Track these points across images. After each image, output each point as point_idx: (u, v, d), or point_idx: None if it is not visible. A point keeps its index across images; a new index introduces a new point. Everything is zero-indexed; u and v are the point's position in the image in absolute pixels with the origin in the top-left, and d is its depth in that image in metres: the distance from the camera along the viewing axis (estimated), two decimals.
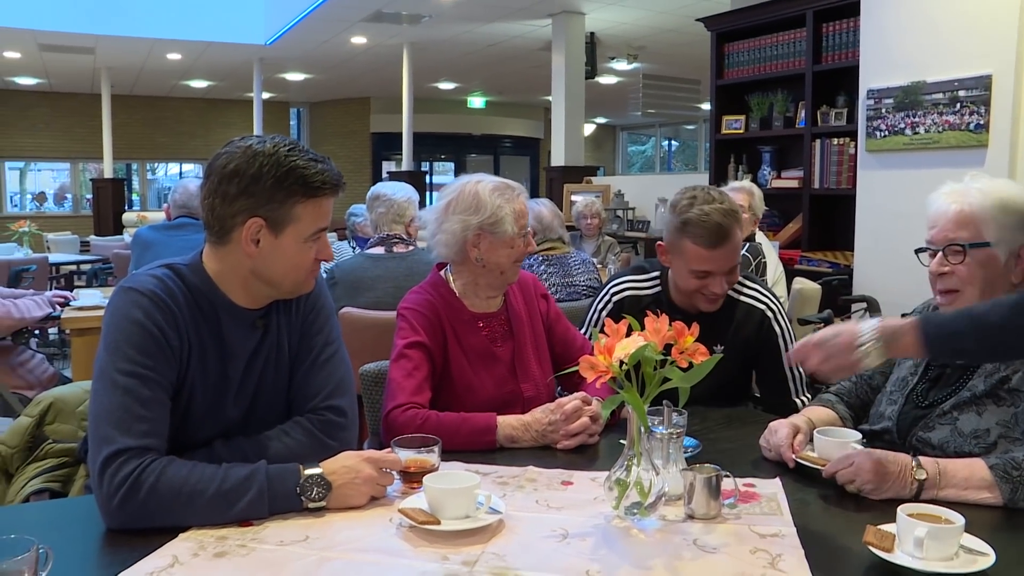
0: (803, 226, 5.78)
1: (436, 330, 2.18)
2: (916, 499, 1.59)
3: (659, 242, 2.40)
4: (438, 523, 1.44)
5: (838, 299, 4.67)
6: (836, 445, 1.77)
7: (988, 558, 1.30)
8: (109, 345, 1.57)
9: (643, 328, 1.53)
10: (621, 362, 1.46)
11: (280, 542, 1.41)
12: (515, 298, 2.33)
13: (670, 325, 1.53)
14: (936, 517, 1.36)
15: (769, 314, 2.45)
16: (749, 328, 2.43)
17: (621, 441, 1.92)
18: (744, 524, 1.51)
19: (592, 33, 10.40)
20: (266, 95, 14.67)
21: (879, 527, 1.38)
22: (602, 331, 1.53)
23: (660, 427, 1.65)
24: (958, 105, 4.16)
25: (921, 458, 1.62)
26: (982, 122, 4.07)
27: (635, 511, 1.50)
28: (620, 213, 9.23)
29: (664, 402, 1.63)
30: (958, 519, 1.34)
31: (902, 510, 1.36)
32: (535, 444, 1.98)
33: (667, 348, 1.52)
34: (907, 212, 4.44)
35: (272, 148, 1.62)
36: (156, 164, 19.33)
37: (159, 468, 1.48)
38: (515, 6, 9.61)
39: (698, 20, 6.78)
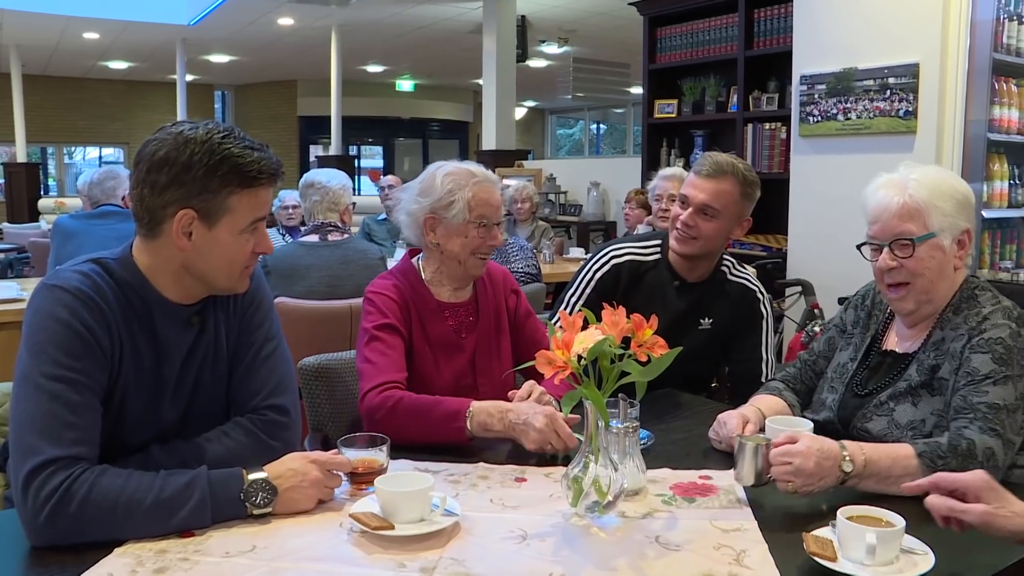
0: None
1: (404, 315, 2.12)
2: (840, 485, 1.56)
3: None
4: (392, 528, 1.38)
5: (774, 282, 4.72)
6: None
7: (928, 558, 1.28)
8: (32, 347, 1.46)
9: (658, 306, 1.48)
10: (580, 356, 1.41)
11: (225, 553, 1.33)
12: (485, 291, 2.26)
13: (668, 294, 1.49)
14: (876, 519, 1.32)
15: (760, 296, 2.56)
16: (741, 307, 2.51)
17: (578, 437, 1.90)
18: (705, 519, 1.48)
19: (523, 16, 10.32)
20: (189, 77, 14.22)
21: (814, 534, 1.34)
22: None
23: (615, 421, 1.61)
24: (888, 92, 4.22)
25: (848, 446, 1.58)
26: (911, 108, 4.14)
27: (594, 509, 1.47)
28: (552, 197, 9.21)
29: (620, 396, 1.59)
30: (899, 521, 1.30)
31: (842, 514, 1.32)
32: (505, 435, 1.87)
33: (624, 341, 1.48)
34: (840, 196, 4.51)
35: (205, 134, 1.52)
36: (74, 148, 18.65)
37: (91, 479, 1.38)
38: None
39: (630, 4, 6.77)
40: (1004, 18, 4.52)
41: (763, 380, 2.45)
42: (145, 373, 1.57)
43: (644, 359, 1.45)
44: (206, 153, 1.50)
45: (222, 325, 1.69)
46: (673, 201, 2.49)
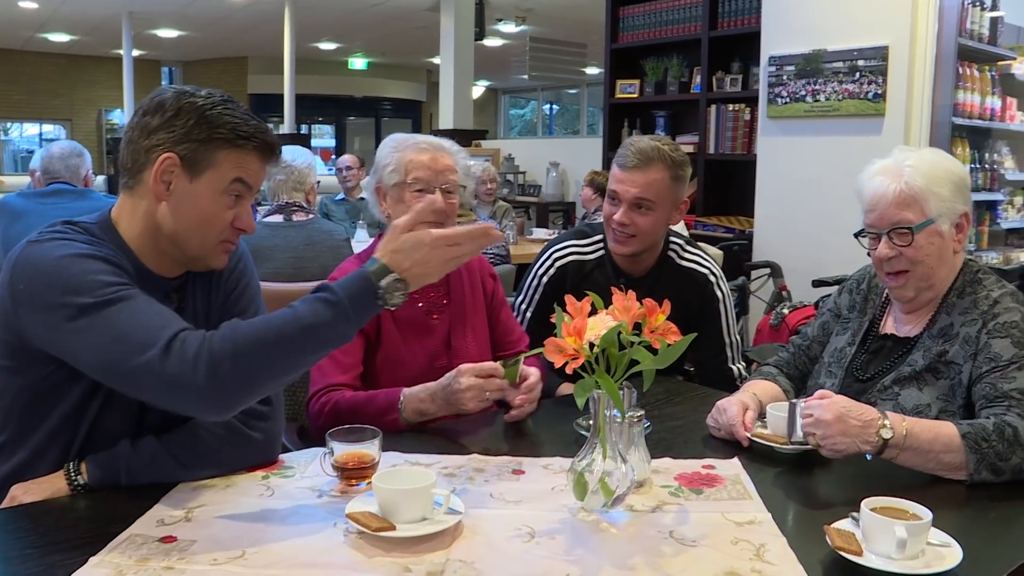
0: (698, 191, 5.80)
1: None
2: (878, 455, 1.53)
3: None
4: (393, 528, 1.28)
5: (742, 264, 4.70)
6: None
7: (955, 551, 1.23)
8: (66, 287, 1.35)
9: (607, 304, 1.41)
10: (591, 344, 1.34)
11: (213, 561, 1.22)
12: (458, 271, 2.18)
13: (614, 291, 1.42)
14: (902, 511, 1.27)
15: (712, 279, 2.43)
16: (692, 292, 2.39)
17: (579, 421, 1.84)
18: (717, 512, 1.42)
19: None
20: (136, 52, 13.77)
21: (836, 527, 1.29)
22: (564, 309, 1.41)
23: (617, 411, 1.54)
24: (857, 74, 4.21)
25: (889, 414, 1.55)
26: (880, 91, 4.14)
27: (603, 504, 1.40)
28: (511, 178, 9.14)
29: (625, 383, 1.53)
30: (926, 513, 1.26)
31: (866, 506, 1.27)
32: (443, 412, 1.88)
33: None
34: (808, 178, 4.51)
35: (207, 95, 1.49)
36: (10, 124, 18.04)
37: (224, 332, 1.33)
38: None
39: None
40: (968, 4, 4.54)
41: (729, 364, 2.42)
42: None
43: (658, 346, 1.38)
44: (204, 106, 1.46)
45: (201, 306, 1.59)
46: None
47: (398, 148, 2.07)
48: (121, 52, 13.25)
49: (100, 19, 12.82)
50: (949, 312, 1.83)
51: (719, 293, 2.42)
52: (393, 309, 1.40)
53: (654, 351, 1.41)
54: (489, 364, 1.87)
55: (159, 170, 1.45)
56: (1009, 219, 5.30)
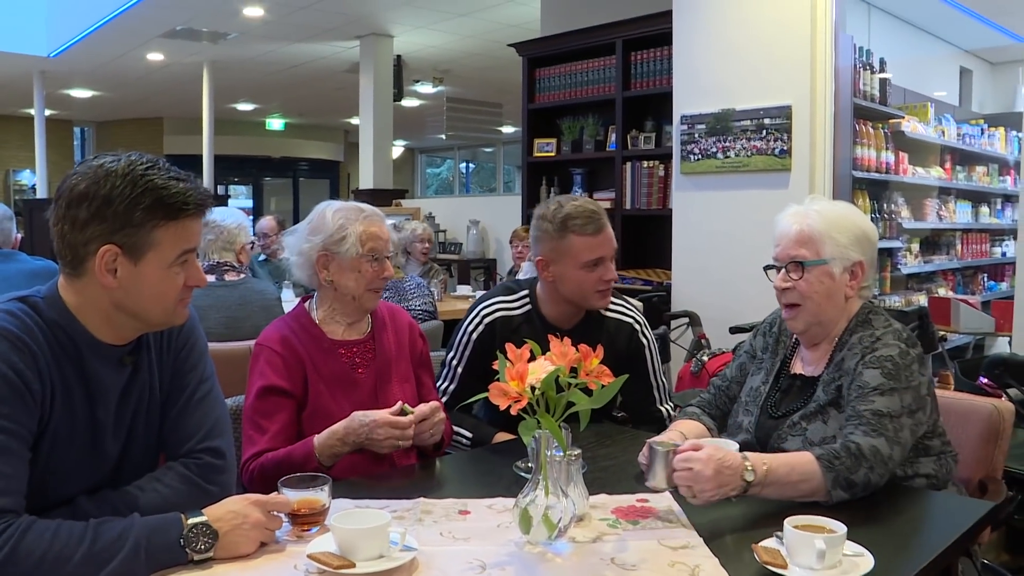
0: (617, 246, 5.99)
1: (294, 367, 2.14)
2: (742, 494, 1.65)
3: (538, 259, 2.43)
4: (353, 566, 1.36)
5: (662, 315, 4.88)
6: None
7: (868, 559, 1.38)
8: None
9: (544, 352, 1.53)
10: (533, 388, 1.45)
11: None
12: (383, 327, 2.29)
13: (551, 338, 1.54)
14: (819, 527, 1.41)
15: (637, 327, 2.55)
16: (620, 342, 2.50)
17: (518, 464, 1.94)
18: (652, 539, 1.54)
19: (399, 56, 10.39)
20: (46, 112, 13.53)
21: (763, 545, 1.42)
22: (496, 361, 1.51)
23: (557, 450, 1.65)
24: (764, 132, 4.47)
25: (750, 456, 1.67)
26: (785, 147, 4.40)
27: (546, 536, 1.49)
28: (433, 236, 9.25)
29: (562, 424, 1.63)
30: (840, 527, 1.40)
31: (789, 523, 1.41)
32: (352, 449, 2.00)
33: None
34: (721, 230, 4.73)
35: (127, 166, 1.47)
36: None
37: (16, 533, 1.31)
38: (323, 27, 9.44)
39: (510, 45, 6.92)
40: (859, 66, 4.89)
41: (658, 406, 2.54)
42: (78, 417, 1.50)
43: (594, 387, 1.50)
44: (128, 185, 1.45)
45: (155, 366, 1.64)
46: None
47: (349, 219, 2.16)
48: (31, 111, 12.95)
49: (10, 78, 12.55)
50: (842, 349, 2.00)
51: (644, 340, 2.55)
52: (197, 559, 1.42)
53: (589, 393, 1.52)
54: (407, 419, 2.00)
55: (102, 263, 1.46)
56: (909, 265, 5.64)
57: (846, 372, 1.94)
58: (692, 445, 1.67)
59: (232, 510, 1.49)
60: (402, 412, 2.00)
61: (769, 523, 1.55)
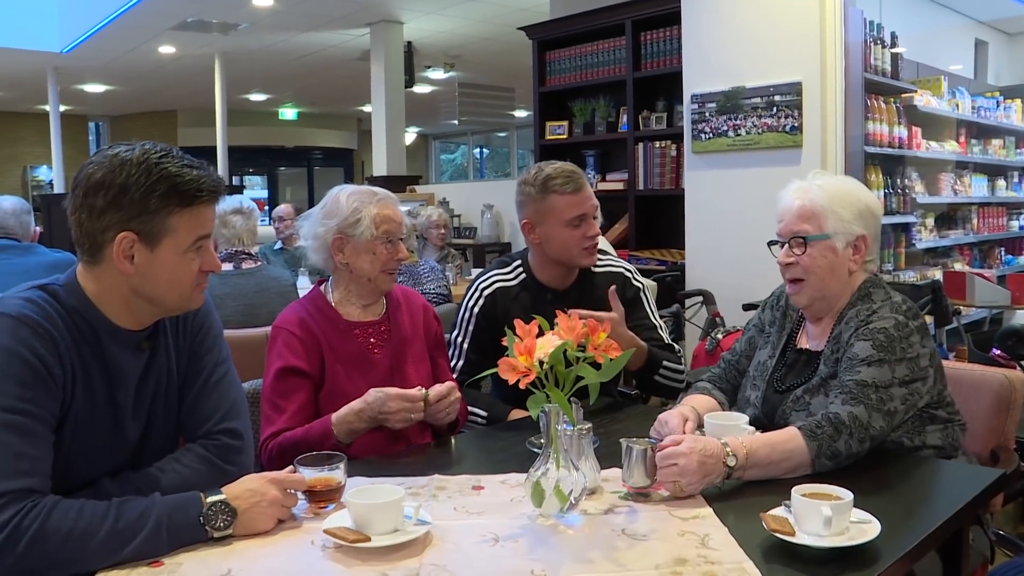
0: (630, 226, 6.01)
1: (312, 348, 2.18)
2: (726, 479, 1.66)
3: (524, 221, 2.51)
4: (368, 540, 1.40)
5: (676, 294, 4.89)
6: (726, 428, 1.86)
7: (875, 525, 1.40)
8: None
9: (553, 327, 1.55)
10: (541, 362, 1.47)
11: None
12: (398, 308, 2.32)
13: (546, 310, 1.56)
14: (827, 495, 1.43)
15: (627, 274, 2.65)
16: (627, 298, 2.55)
17: (532, 440, 1.97)
18: (663, 510, 1.56)
19: (410, 42, 10.40)
20: (62, 108, 13.64)
21: (771, 513, 1.45)
22: (500, 335, 1.54)
23: (567, 424, 1.67)
24: (775, 109, 4.46)
25: (730, 441, 1.68)
26: (796, 124, 4.39)
27: (559, 508, 1.52)
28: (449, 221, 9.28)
29: (573, 399, 1.66)
30: (847, 494, 1.42)
31: (796, 492, 1.43)
32: (370, 426, 2.04)
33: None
34: (733, 209, 4.73)
35: (141, 155, 1.51)
36: None
37: (43, 512, 1.35)
38: (333, 15, 9.46)
39: (519, 29, 6.91)
40: (870, 41, 4.86)
41: (667, 341, 2.58)
42: (99, 401, 1.54)
43: (601, 361, 1.52)
44: (143, 174, 1.49)
45: (172, 350, 1.68)
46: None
47: (364, 202, 2.20)
48: (46, 107, 13.06)
49: (24, 75, 12.68)
50: (841, 323, 2.01)
51: (637, 284, 2.65)
52: (217, 536, 1.46)
53: (597, 367, 1.55)
54: (408, 391, 2.03)
55: (119, 250, 1.50)
56: (923, 240, 5.61)
57: (842, 345, 1.96)
58: (671, 440, 1.68)
59: (250, 488, 1.52)
60: (423, 398, 2.04)
61: (778, 491, 1.57)
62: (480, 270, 6.99)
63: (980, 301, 4.82)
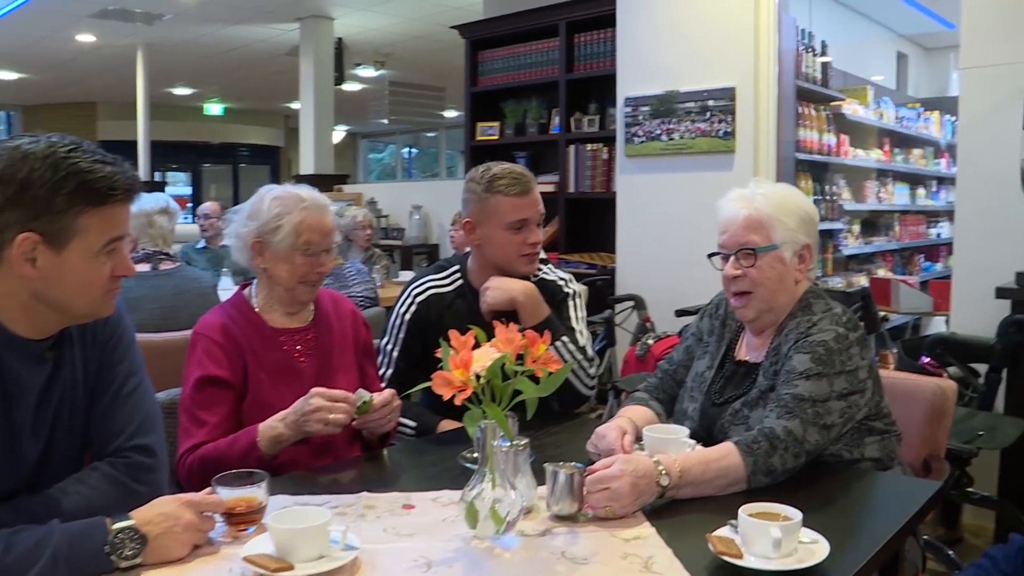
0: (560, 229, 5.97)
1: (234, 356, 2.06)
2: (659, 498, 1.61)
3: (465, 220, 2.41)
4: (291, 568, 1.30)
5: (607, 299, 4.86)
6: (666, 442, 1.81)
7: (823, 545, 1.35)
8: None
9: (490, 338, 1.47)
10: (478, 376, 1.40)
11: None
12: (326, 314, 2.22)
13: (476, 317, 1.49)
14: (774, 515, 1.38)
15: (561, 283, 2.54)
16: (547, 299, 2.43)
17: (464, 454, 1.88)
18: (604, 530, 1.50)
19: (340, 39, 10.22)
20: None
21: (717, 534, 1.39)
22: (433, 345, 1.46)
23: (504, 439, 1.60)
24: (708, 114, 4.46)
25: (662, 460, 1.63)
26: (729, 129, 4.40)
27: (495, 531, 1.44)
28: (374, 221, 9.13)
29: (509, 413, 1.58)
30: (796, 514, 1.37)
31: (744, 512, 1.37)
32: (297, 435, 1.92)
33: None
34: (665, 213, 4.73)
35: (47, 148, 1.37)
36: None
37: None
38: (261, 8, 9.22)
39: (452, 28, 6.83)
40: (802, 49, 4.91)
41: (580, 345, 2.45)
42: None
43: (541, 375, 1.45)
44: (48, 168, 1.36)
45: (79, 360, 1.55)
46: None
47: (287, 208, 2.07)
48: None
49: None
50: (780, 334, 1.97)
51: (568, 290, 2.53)
52: (124, 567, 1.34)
53: (536, 381, 1.47)
54: (340, 392, 1.93)
55: (19, 252, 1.37)
56: (850, 246, 5.70)
57: (781, 357, 1.92)
58: (602, 464, 1.61)
59: (162, 512, 1.40)
60: (362, 400, 1.94)
61: (719, 508, 1.52)
62: (409, 273, 6.89)
63: (905, 307, 4.91)
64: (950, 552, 2.89)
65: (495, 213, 2.35)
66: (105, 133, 16.46)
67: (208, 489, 1.53)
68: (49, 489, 1.46)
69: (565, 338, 2.37)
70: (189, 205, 16.29)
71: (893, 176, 6.59)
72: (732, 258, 1.98)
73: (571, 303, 2.53)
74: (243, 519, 1.51)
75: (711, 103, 4.44)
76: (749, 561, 1.31)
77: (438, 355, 1.47)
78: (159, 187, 12.29)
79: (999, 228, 3.53)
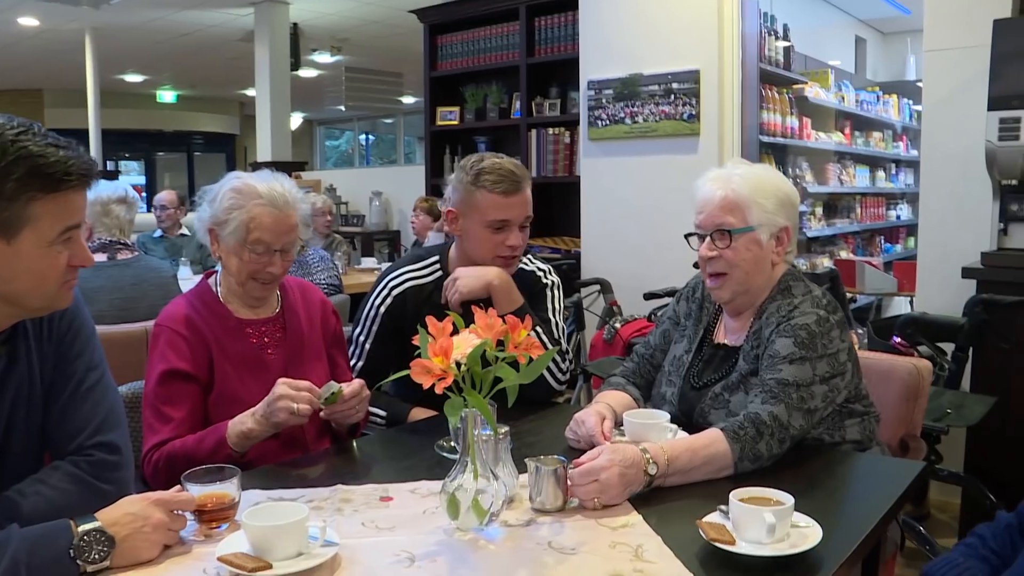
0: None
1: (198, 348, 1.98)
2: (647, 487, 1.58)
3: (448, 209, 2.32)
4: (269, 567, 1.24)
5: (573, 283, 4.83)
6: (648, 427, 1.78)
7: (816, 530, 1.33)
8: None
9: (468, 324, 1.43)
10: (459, 363, 1.35)
11: None
12: (294, 304, 2.14)
13: (475, 309, 1.43)
14: (765, 499, 1.35)
15: (540, 274, 2.48)
16: (527, 290, 2.38)
17: (441, 443, 1.83)
18: (590, 519, 1.46)
19: (295, 24, 10.05)
20: None
21: (707, 520, 1.36)
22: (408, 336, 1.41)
23: (487, 428, 1.55)
24: (672, 96, 4.44)
25: (649, 448, 1.60)
26: (694, 112, 4.38)
27: (478, 522, 1.40)
28: (334, 208, 9.03)
29: (489, 401, 1.53)
30: (788, 498, 1.34)
31: (735, 497, 1.34)
32: (267, 431, 1.85)
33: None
34: (630, 197, 4.70)
35: None
36: None
37: None
38: None
39: (411, 12, 6.73)
40: (765, 32, 4.91)
41: (556, 337, 2.40)
42: None
43: (524, 362, 1.40)
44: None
45: (35, 355, 1.47)
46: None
47: (239, 203, 1.97)
48: None
49: None
50: (761, 317, 1.95)
51: (546, 281, 2.47)
52: (91, 571, 1.27)
53: (516, 367, 1.43)
54: (304, 383, 1.86)
55: None
56: (813, 228, 5.73)
57: (763, 341, 1.89)
58: (588, 456, 1.56)
59: (129, 512, 1.33)
60: (331, 391, 1.87)
61: (708, 496, 1.49)
62: (371, 259, 6.80)
63: (870, 288, 4.94)
64: (921, 528, 2.90)
65: (477, 208, 2.26)
66: (52, 121, 16.00)
67: (177, 487, 1.46)
68: (6, 491, 1.39)
69: (539, 328, 2.31)
70: (144, 194, 15.99)
71: (853, 159, 6.63)
72: (708, 239, 1.95)
73: (549, 294, 2.47)
74: (215, 516, 1.45)
75: (675, 86, 4.42)
76: (742, 547, 1.28)
77: (416, 342, 1.42)
78: (112, 176, 12.06)
79: (963, 209, 3.55)
